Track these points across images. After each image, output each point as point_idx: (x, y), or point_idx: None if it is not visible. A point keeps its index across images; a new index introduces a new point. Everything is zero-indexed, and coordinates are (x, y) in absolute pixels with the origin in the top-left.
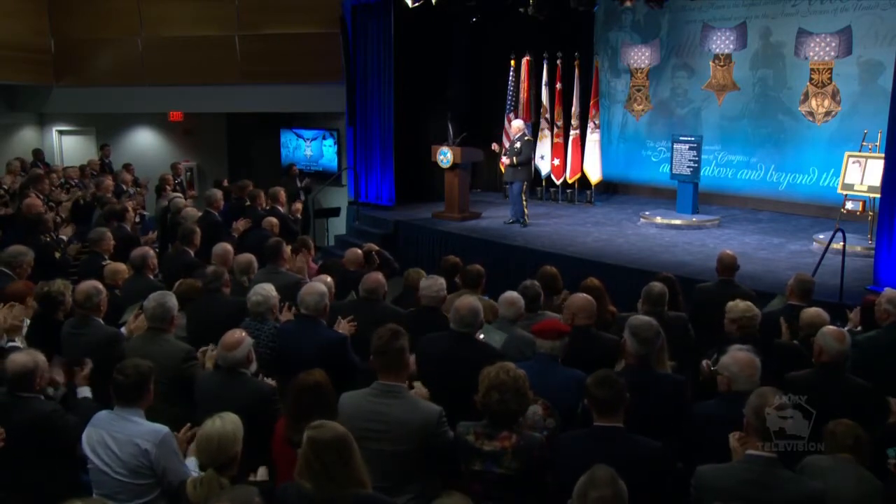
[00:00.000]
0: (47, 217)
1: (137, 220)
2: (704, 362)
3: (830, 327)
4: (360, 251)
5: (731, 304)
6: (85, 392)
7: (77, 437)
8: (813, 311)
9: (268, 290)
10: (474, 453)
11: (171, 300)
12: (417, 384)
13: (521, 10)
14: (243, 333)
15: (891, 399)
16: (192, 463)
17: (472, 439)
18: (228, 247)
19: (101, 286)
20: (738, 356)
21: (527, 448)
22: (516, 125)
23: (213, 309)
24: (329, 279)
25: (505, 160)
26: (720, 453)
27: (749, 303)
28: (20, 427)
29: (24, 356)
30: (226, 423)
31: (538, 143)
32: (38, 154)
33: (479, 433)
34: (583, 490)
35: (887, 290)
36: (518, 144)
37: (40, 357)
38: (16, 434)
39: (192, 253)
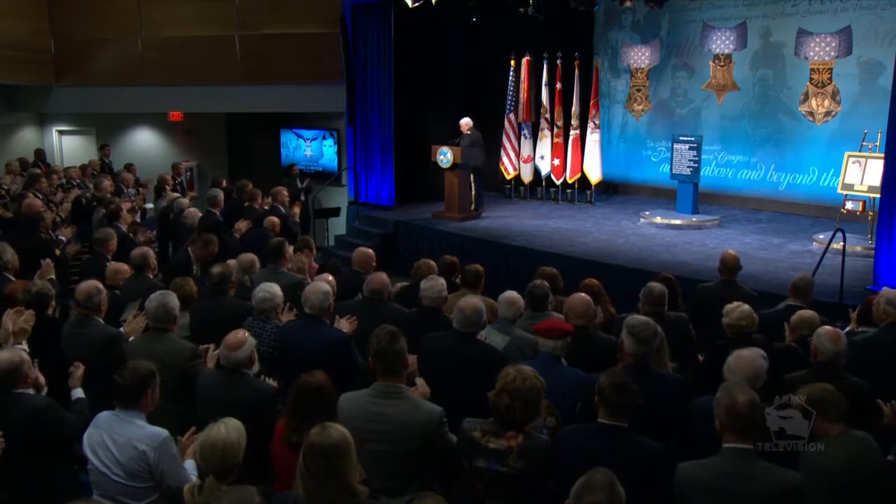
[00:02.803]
0: (46, 216)
1: (138, 219)
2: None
3: (826, 328)
4: (369, 251)
5: (727, 307)
6: (78, 394)
7: (75, 433)
8: (803, 313)
9: (274, 289)
10: (479, 450)
11: (173, 300)
12: (420, 380)
13: (521, 10)
14: (246, 334)
15: (880, 402)
16: (190, 465)
17: (477, 436)
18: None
19: (101, 286)
20: (741, 353)
21: (532, 449)
22: (465, 120)
23: (216, 310)
24: (332, 278)
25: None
26: (714, 448)
27: (745, 308)
28: (17, 424)
29: (7, 353)
30: (230, 430)
31: (538, 143)
32: (39, 154)
33: (486, 430)
34: (579, 493)
35: (885, 290)
36: (460, 142)
37: (23, 353)
38: (14, 431)
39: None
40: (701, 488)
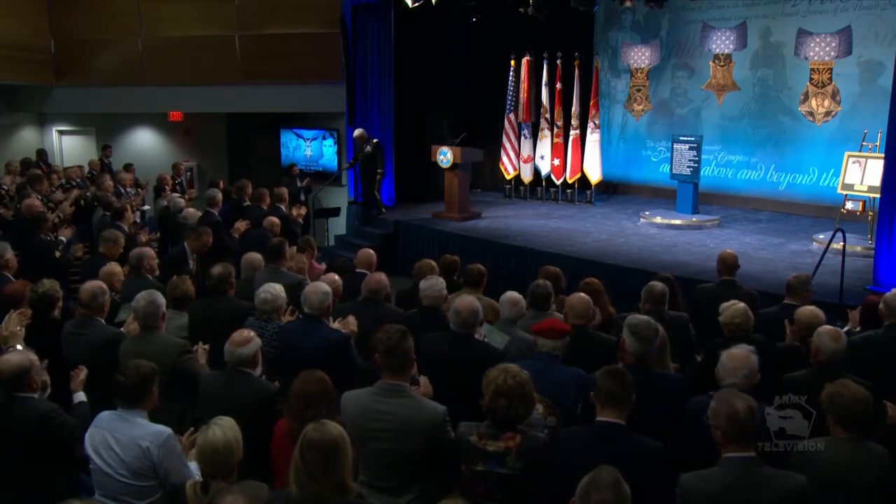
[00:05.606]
0: (48, 217)
1: (137, 219)
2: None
3: (826, 327)
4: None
5: (722, 305)
6: (80, 397)
7: (76, 437)
8: (809, 311)
9: (277, 290)
10: (478, 454)
11: (160, 297)
12: (423, 379)
13: (521, 10)
14: (252, 333)
15: (886, 402)
16: (194, 465)
17: (475, 440)
18: None
19: (105, 286)
20: (732, 352)
21: (531, 448)
22: (358, 132)
23: (215, 310)
24: (337, 278)
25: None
26: (712, 447)
27: (740, 305)
28: (20, 427)
29: (18, 356)
30: (226, 430)
31: (538, 143)
32: (41, 154)
33: (483, 433)
34: (586, 491)
35: (894, 292)
36: (369, 148)
37: (33, 356)
38: (15, 434)
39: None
40: (708, 500)
